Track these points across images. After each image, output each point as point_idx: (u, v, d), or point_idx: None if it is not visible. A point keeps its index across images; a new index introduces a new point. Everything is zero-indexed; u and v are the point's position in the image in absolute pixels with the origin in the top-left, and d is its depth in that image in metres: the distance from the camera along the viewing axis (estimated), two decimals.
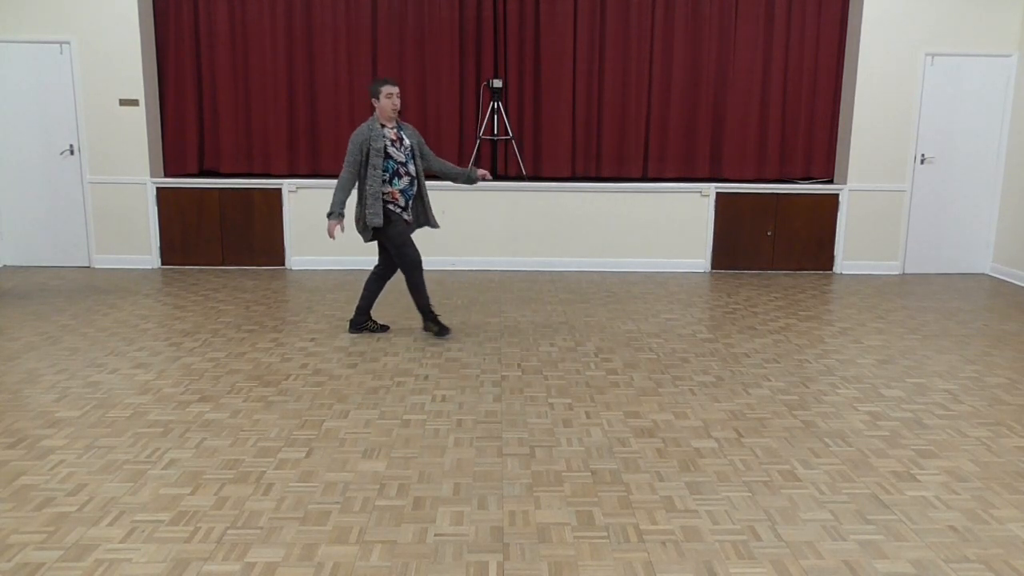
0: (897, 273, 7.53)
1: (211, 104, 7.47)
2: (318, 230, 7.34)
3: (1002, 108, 7.30)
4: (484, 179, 5.19)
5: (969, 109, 7.28)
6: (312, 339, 5.09)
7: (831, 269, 7.56)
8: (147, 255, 7.36)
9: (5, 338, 5.05)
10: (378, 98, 4.83)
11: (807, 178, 7.68)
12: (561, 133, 7.52)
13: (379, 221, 4.82)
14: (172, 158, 7.49)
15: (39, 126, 7.12)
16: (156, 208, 7.27)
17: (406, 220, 4.97)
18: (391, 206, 4.90)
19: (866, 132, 7.29)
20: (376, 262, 5.26)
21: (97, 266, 7.36)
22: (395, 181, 4.88)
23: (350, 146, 4.81)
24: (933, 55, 7.18)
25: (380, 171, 4.80)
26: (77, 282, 6.73)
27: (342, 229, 4.90)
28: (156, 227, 7.31)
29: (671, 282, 6.98)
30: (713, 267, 7.51)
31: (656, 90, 7.52)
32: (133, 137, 7.15)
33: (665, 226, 7.43)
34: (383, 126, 4.87)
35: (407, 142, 4.94)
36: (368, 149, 4.80)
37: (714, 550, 2.65)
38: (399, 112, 4.92)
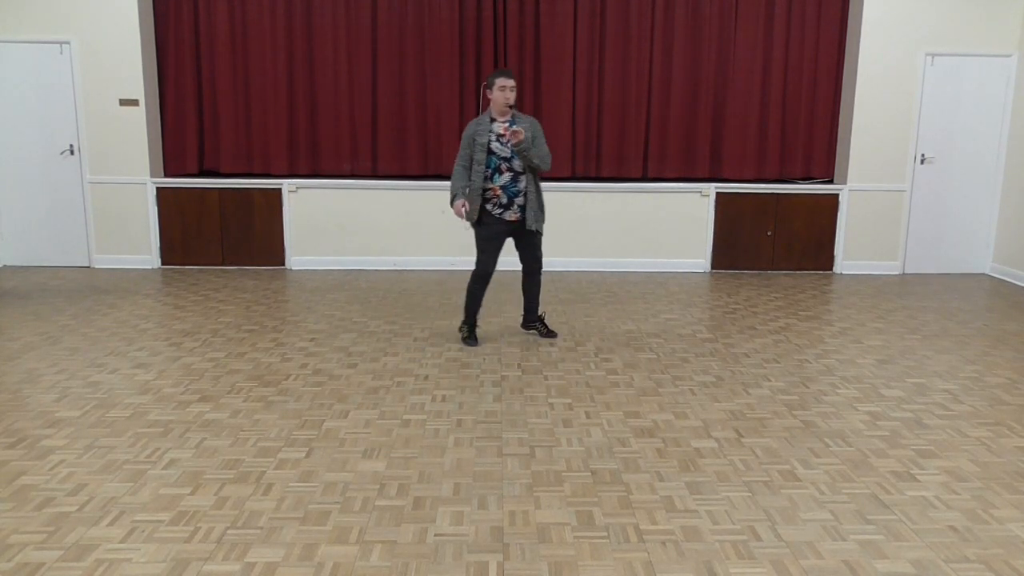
0: (897, 273, 7.53)
1: (211, 104, 7.47)
2: (318, 230, 7.34)
3: (1002, 108, 7.30)
4: (517, 138, 4.55)
5: (969, 109, 7.28)
6: (312, 339, 5.09)
7: (831, 269, 7.56)
8: (147, 255, 7.36)
9: (5, 338, 5.05)
10: (491, 90, 4.66)
11: (807, 178, 7.68)
12: (561, 133, 7.51)
13: (474, 218, 4.72)
14: (172, 158, 7.49)
15: (39, 126, 7.12)
16: (156, 208, 7.27)
17: (507, 220, 4.76)
18: (489, 205, 4.71)
19: (866, 132, 7.29)
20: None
21: (97, 266, 7.36)
22: (496, 177, 4.68)
23: (462, 141, 4.71)
24: (933, 55, 7.18)
25: (482, 167, 4.63)
26: (77, 282, 6.73)
27: (466, 207, 4.68)
28: (156, 227, 7.30)
29: (671, 282, 6.98)
30: (713, 267, 7.51)
31: (656, 90, 7.51)
32: (133, 137, 7.15)
33: (665, 226, 7.43)
34: (493, 120, 4.69)
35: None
36: (474, 143, 4.65)
37: (714, 550, 2.65)
38: (512, 105, 4.70)
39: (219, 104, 7.43)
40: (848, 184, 7.36)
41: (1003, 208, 7.40)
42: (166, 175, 7.46)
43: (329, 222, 7.33)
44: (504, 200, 4.71)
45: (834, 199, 7.41)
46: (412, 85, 7.44)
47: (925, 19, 7.12)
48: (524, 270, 5.03)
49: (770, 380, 4.40)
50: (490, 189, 4.70)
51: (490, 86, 4.67)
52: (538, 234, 4.89)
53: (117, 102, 7.09)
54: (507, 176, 4.70)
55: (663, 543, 2.69)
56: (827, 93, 7.53)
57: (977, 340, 5.26)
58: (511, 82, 4.62)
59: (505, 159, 4.67)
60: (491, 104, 4.69)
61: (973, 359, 4.84)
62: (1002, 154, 7.36)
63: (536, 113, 7.55)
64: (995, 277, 7.43)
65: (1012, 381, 4.44)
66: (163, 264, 7.39)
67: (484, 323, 5.51)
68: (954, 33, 7.14)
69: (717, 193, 7.36)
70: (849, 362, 4.74)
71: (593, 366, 4.60)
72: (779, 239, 7.47)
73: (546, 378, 4.38)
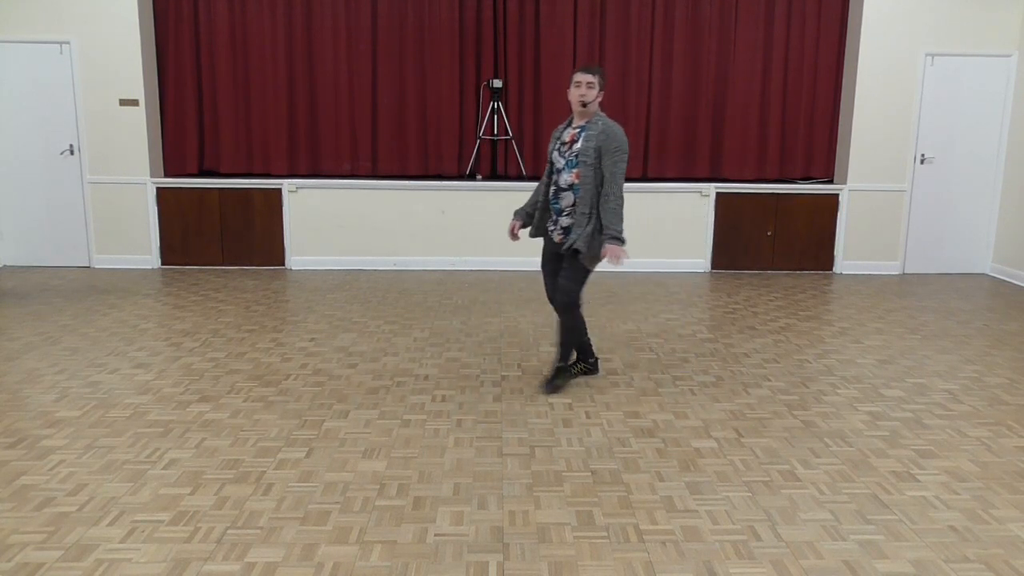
0: (897, 273, 7.53)
1: (211, 104, 7.47)
2: (318, 230, 7.34)
3: (1002, 108, 7.30)
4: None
5: (969, 109, 7.28)
6: (312, 339, 5.09)
7: (831, 269, 7.56)
8: (147, 255, 7.36)
9: (5, 338, 5.05)
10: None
11: (807, 178, 7.68)
12: None
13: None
14: (172, 158, 7.49)
15: (39, 126, 7.12)
16: (156, 208, 7.27)
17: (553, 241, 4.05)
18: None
19: (866, 132, 7.28)
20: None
21: (97, 266, 7.36)
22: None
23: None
24: (933, 55, 7.18)
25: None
26: (77, 282, 6.73)
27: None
28: (156, 227, 7.30)
29: (671, 282, 6.98)
30: (713, 267, 7.51)
31: (656, 90, 7.51)
32: (133, 137, 7.15)
33: (665, 226, 7.43)
34: (569, 124, 4.00)
35: None
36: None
37: (714, 550, 2.65)
38: (586, 103, 3.87)
39: (219, 104, 7.43)
40: (848, 184, 7.36)
41: (1003, 208, 7.40)
42: (166, 175, 7.46)
43: (329, 222, 7.33)
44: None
45: (834, 199, 7.41)
46: (412, 85, 7.44)
47: (925, 19, 7.12)
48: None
49: (770, 380, 4.40)
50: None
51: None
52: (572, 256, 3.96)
53: (117, 102, 7.09)
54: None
55: (663, 543, 2.69)
56: (827, 93, 7.53)
57: (977, 340, 5.26)
58: (586, 76, 3.78)
59: (558, 170, 3.93)
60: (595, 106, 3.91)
61: (973, 359, 4.84)
62: (1002, 154, 7.36)
63: (536, 113, 7.55)
64: (995, 277, 7.43)
65: (1012, 381, 4.44)
66: (163, 264, 7.39)
67: (484, 323, 5.52)
68: (954, 33, 7.14)
69: (717, 193, 7.36)
70: (849, 362, 4.74)
71: None
72: (779, 239, 7.47)
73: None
